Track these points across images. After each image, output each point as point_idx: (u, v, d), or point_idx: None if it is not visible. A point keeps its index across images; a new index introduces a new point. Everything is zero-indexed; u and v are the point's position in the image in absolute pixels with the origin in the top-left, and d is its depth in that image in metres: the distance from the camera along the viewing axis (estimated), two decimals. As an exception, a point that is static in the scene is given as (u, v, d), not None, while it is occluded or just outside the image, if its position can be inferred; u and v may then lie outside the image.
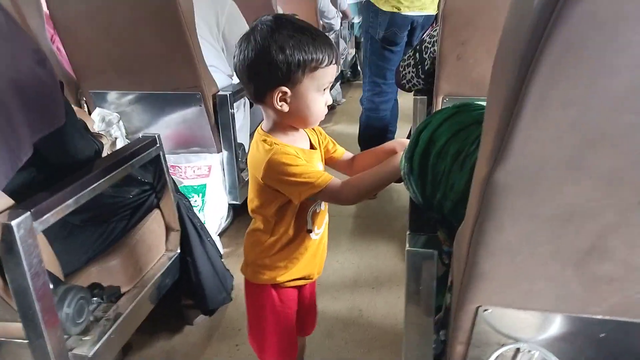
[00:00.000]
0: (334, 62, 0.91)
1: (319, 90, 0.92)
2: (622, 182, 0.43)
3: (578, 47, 0.37)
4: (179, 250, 1.49)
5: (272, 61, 0.86)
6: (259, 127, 1.00)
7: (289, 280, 1.08)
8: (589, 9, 0.33)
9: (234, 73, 1.11)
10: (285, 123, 0.96)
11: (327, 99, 0.95)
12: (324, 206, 1.07)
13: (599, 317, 0.59)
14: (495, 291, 0.58)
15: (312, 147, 1.04)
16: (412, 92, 1.80)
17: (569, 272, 0.53)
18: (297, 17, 0.93)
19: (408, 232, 0.77)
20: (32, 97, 0.98)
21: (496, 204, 0.47)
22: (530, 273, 0.54)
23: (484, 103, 0.73)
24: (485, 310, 0.62)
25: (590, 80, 0.39)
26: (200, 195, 1.96)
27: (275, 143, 0.94)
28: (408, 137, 1.80)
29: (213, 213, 2.00)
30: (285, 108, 0.91)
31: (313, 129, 1.06)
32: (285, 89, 0.89)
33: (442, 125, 0.68)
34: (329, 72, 0.91)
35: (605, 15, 0.33)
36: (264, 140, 0.95)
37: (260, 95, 0.92)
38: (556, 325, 0.62)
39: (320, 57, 0.87)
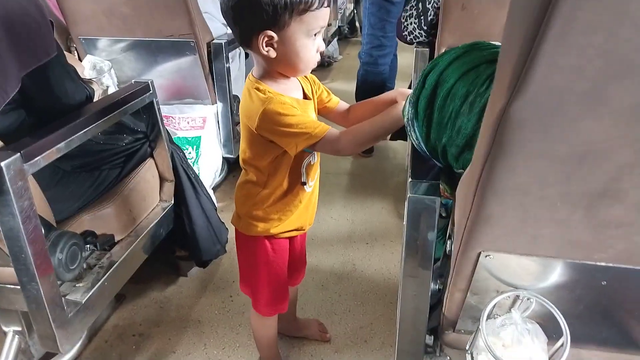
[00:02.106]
0: (325, 4, 0.85)
1: (309, 36, 0.86)
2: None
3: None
4: (173, 201, 1.47)
5: (257, 2, 0.80)
6: (250, 74, 0.96)
7: (283, 232, 1.07)
8: None
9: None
10: (274, 70, 0.92)
11: (318, 44, 0.89)
12: (317, 158, 1.05)
13: (603, 264, 0.58)
14: (500, 236, 0.57)
15: (305, 97, 1.00)
16: (413, 46, 1.75)
17: (578, 216, 0.51)
18: None
19: (409, 180, 0.75)
20: (19, 30, 0.94)
21: (510, 140, 0.45)
22: (537, 217, 0.53)
23: (494, 42, 0.70)
24: (487, 256, 0.61)
25: (620, 4, 0.36)
26: (195, 147, 1.93)
27: (269, 91, 0.90)
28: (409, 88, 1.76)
29: (207, 166, 1.98)
30: (272, 54, 0.86)
31: (306, 78, 1.02)
32: (271, 33, 0.83)
33: (451, 65, 0.65)
34: (320, 16, 0.85)
35: None
36: (257, 89, 0.91)
37: (246, 39, 0.87)
38: (557, 272, 0.62)
39: None
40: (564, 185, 0.48)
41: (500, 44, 0.68)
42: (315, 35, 0.87)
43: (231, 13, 0.85)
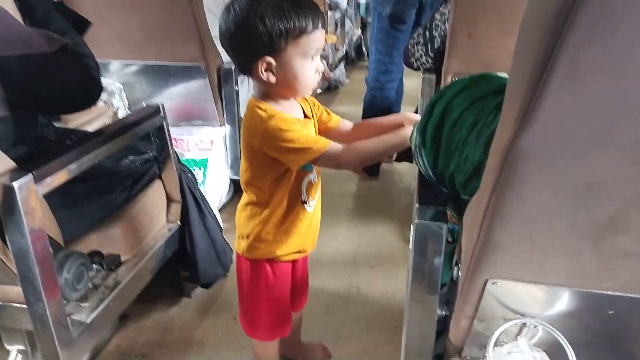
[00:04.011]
0: (319, 26, 0.87)
1: (306, 57, 0.89)
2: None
3: (615, 10, 0.35)
4: (179, 222, 1.48)
5: (253, 32, 0.84)
6: (252, 96, 0.98)
7: (285, 255, 1.08)
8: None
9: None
10: (275, 93, 0.94)
11: (317, 65, 0.92)
12: (318, 178, 1.06)
13: (610, 293, 0.58)
14: (508, 264, 0.58)
15: (305, 117, 1.02)
16: (420, 71, 1.78)
17: (585, 245, 0.52)
18: None
19: (416, 205, 0.76)
20: None
21: (517, 172, 0.45)
22: (545, 246, 0.53)
23: (501, 74, 0.71)
24: (494, 283, 0.61)
25: (625, 46, 0.37)
26: (202, 169, 1.95)
27: (270, 110, 0.92)
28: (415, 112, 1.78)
29: (214, 187, 1.99)
30: (272, 79, 0.89)
31: (306, 100, 1.04)
32: (269, 59, 0.87)
33: (458, 95, 0.67)
34: (315, 38, 0.88)
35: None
36: (259, 108, 0.93)
37: (245, 67, 0.90)
38: (565, 301, 0.62)
39: (304, 23, 0.85)
40: (571, 216, 0.49)
41: (506, 75, 0.70)
42: (312, 57, 0.90)
43: (230, 45, 0.89)
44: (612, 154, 0.43)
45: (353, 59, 5.12)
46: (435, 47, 1.61)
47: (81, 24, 1.28)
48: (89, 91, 1.17)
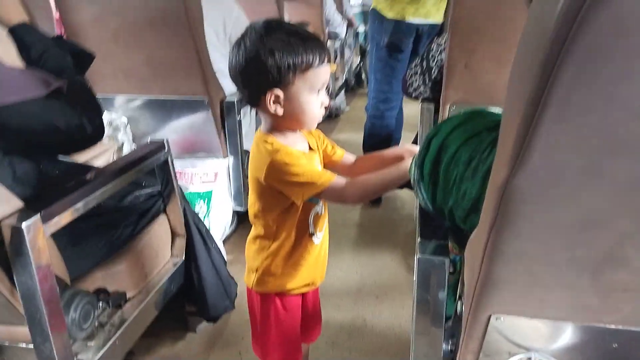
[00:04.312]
0: (325, 61, 0.91)
1: (313, 92, 0.92)
2: (640, 190, 0.43)
3: (601, 53, 0.37)
4: (184, 257, 1.49)
5: (263, 66, 0.87)
6: (258, 130, 1.01)
7: (294, 288, 1.08)
8: (615, 14, 0.33)
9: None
10: (282, 125, 0.97)
11: (322, 99, 0.95)
12: (324, 210, 1.07)
13: (613, 326, 0.58)
14: (509, 299, 0.58)
15: (310, 149, 1.04)
16: (419, 100, 1.80)
17: (585, 280, 0.52)
18: (291, 22, 0.94)
19: (418, 240, 0.76)
20: None
21: (514, 210, 0.47)
22: (545, 281, 0.54)
23: (494, 109, 0.73)
24: (498, 318, 0.62)
25: (612, 87, 0.39)
26: (206, 201, 1.96)
27: (276, 144, 0.94)
28: (414, 143, 1.80)
29: (218, 219, 2.00)
30: (280, 111, 0.92)
31: (311, 133, 1.07)
32: (278, 91, 0.89)
33: (454, 132, 0.68)
34: (322, 73, 0.91)
35: (631, 22, 0.33)
36: (265, 141, 0.95)
37: (254, 99, 0.93)
38: (569, 334, 0.62)
39: (311, 58, 0.88)
40: (568, 252, 0.49)
41: (499, 111, 0.72)
42: (318, 91, 0.93)
43: (240, 78, 0.92)
44: (603, 192, 0.44)
45: (353, 86, 5.19)
46: (432, 77, 1.64)
47: (84, 58, 1.28)
48: (85, 133, 1.15)
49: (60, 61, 1.18)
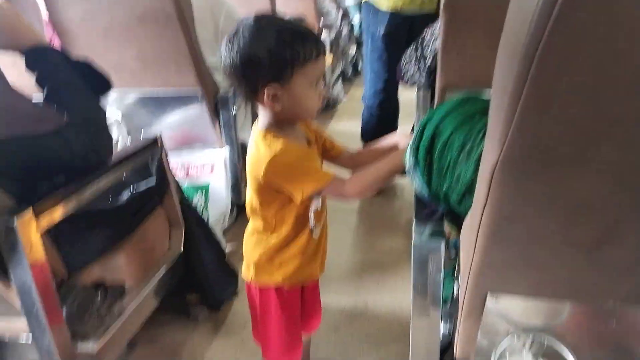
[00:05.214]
0: (320, 54, 0.90)
1: (310, 85, 0.90)
2: (633, 168, 0.43)
3: (586, 32, 0.36)
4: (182, 248, 1.49)
5: (259, 62, 0.85)
6: (255, 126, 0.99)
7: (293, 282, 1.08)
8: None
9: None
10: (280, 119, 0.95)
11: (320, 91, 0.94)
12: (324, 205, 1.07)
13: (612, 303, 0.58)
14: (505, 279, 0.58)
15: (308, 143, 1.04)
16: (415, 87, 1.80)
17: (582, 259, 0.52)
18: (279, 15, 0.93)
19: (414, 224, 0.76)
20: None
21: (504, 192, 0.46)
22: (540, 261, 0.54)
23: (488, 94, 0.72)
24: (495, 298, 0.62)
25: (598, 68, 0.38)
26: (204, 193, 1.96)
27: (275, 140, 0.93)
28: (412, 131, 1.79)
29: (216, 211, 2.00)
30: (278, 106, 0.91)
31: (310, 128, 1.06)
32: (275, 86, 0.88)
33: (447, 117, 0.68)
34: (317, 66, 0.90)
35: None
36: (264, 138, 0.94)
37: (251, 94, 0.92)
38: (567, 313, 0.62)
39: (307, 51, 0.87)
40: (562, 233, 0.49)
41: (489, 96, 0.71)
42: (316, 83, 0.92)
43: (235, 75, 0.90)
44: (593, 174, 0.43)
45: (349, 76, 5.17)
46: (427, 65, 1.63)
47: (101, 82, 1.26)
48: (88, 163, 1.14)
49: (76, 95, 1.17)
